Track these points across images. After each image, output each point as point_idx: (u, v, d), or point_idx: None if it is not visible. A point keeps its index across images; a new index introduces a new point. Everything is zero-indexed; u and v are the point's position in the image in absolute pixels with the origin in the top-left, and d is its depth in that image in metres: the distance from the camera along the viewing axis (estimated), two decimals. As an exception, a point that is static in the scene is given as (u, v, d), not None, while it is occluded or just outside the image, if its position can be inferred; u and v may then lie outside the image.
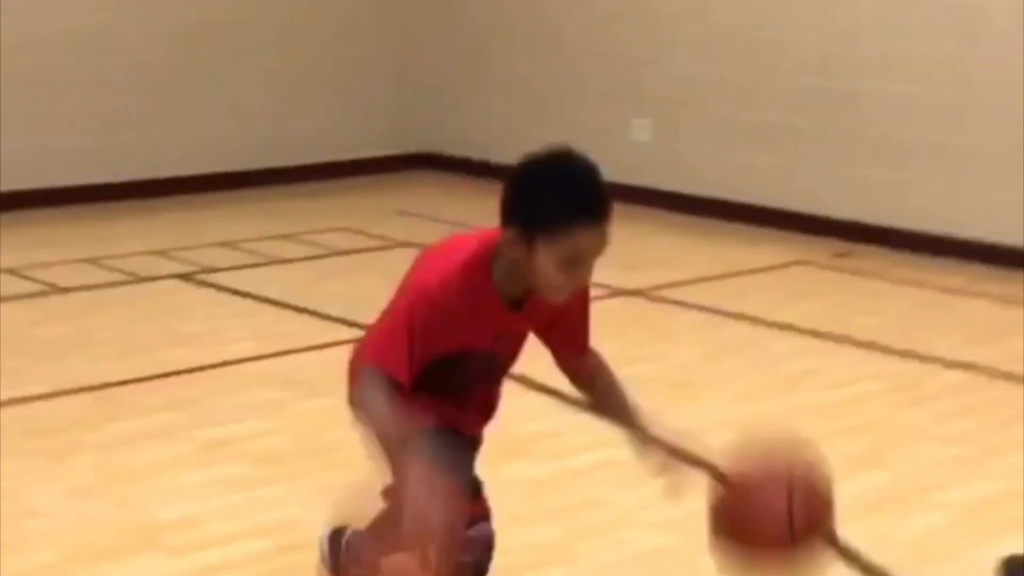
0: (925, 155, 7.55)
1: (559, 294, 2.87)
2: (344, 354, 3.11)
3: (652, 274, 6.90)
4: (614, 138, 8.48)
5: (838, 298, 6.69)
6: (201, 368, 5.37)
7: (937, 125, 7.49)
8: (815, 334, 5.96)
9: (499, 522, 3.17)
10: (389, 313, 2.94)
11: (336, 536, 3.34)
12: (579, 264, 2.80)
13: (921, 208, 7.58)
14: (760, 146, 8.17)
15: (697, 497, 2.90)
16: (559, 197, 2.77)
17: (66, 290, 6.54)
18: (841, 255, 7.47)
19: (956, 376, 5.44)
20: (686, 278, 6.89)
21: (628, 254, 6.61)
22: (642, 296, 6.55)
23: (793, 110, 7.99)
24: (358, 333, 3.70)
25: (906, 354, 5.66)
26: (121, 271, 6.91)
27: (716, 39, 8.24)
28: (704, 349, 5.77)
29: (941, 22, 7.43)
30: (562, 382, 3.23)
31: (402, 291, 2.94)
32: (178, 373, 5.31)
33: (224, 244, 7.47)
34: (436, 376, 2.92)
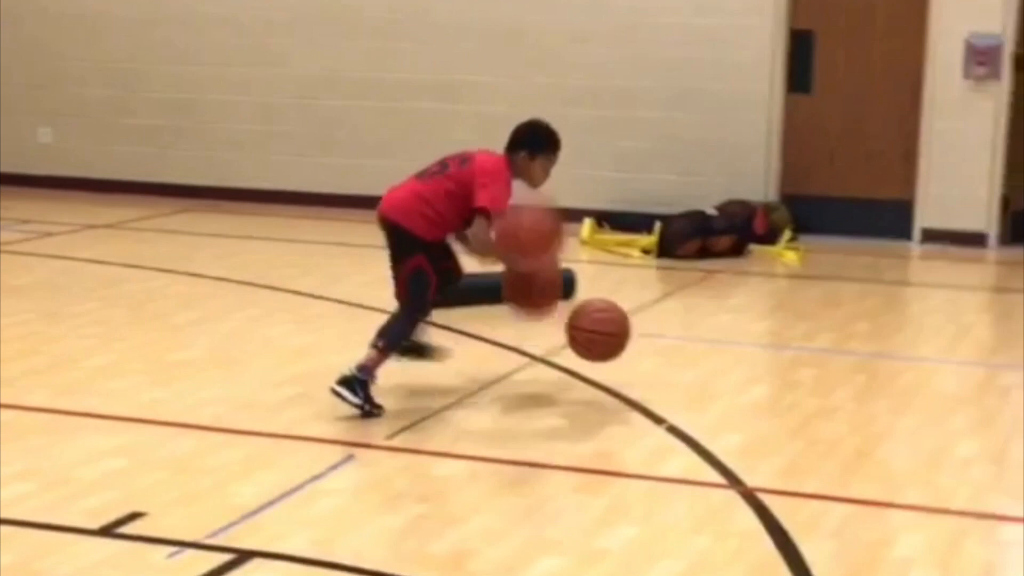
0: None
1: (539, 186, 5.83)
2: None
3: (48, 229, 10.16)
4: (26, 141, 11.89)
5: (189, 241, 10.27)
6: None
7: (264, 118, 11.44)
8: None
9: None
10: (462, 178, 5.71)
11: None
12: (549, 171, 5.88)
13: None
14: (136, 142, 11.82)
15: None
16: (551, 138, 5.98)
17: None
18: (182, 211, 11.14)
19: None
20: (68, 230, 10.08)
21: (48, 221, 10.10)
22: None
23: (162, 115, 11.72)
24: None
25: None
26: None
27: (101, 67, 11.78)
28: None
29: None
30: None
31: (467, 162, 5.76)
32: None
33: None
34: None
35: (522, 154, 5.85)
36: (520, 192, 5.88)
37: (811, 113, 10.37)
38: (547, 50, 10.78)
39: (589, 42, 10.67)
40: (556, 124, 10.56)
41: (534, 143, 5.91)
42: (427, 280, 5.75)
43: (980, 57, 9.79)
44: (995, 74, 9.82)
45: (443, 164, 5.85)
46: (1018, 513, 4.76)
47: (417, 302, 5.81)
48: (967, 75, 9.86)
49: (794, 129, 10.40)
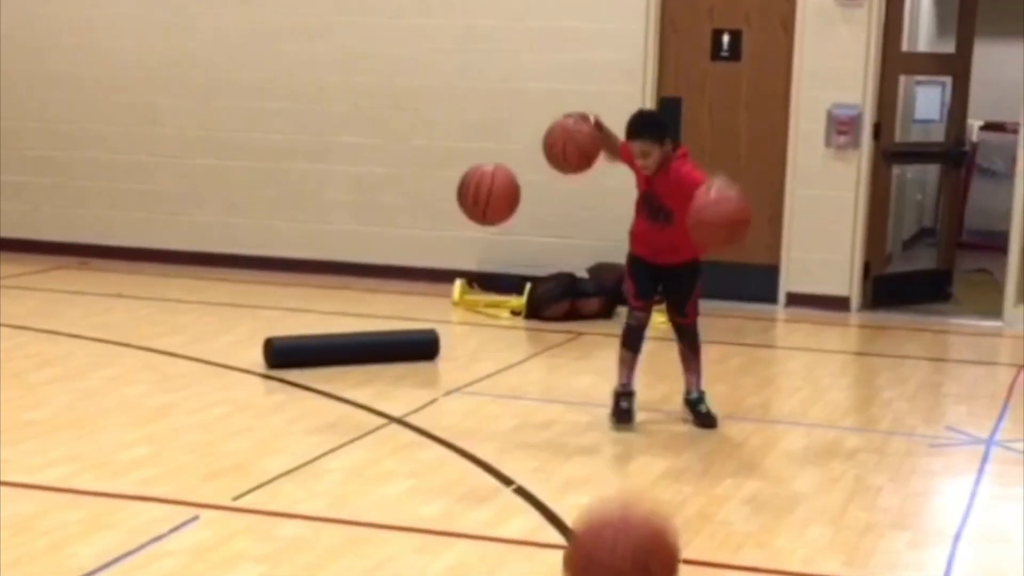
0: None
1: (644, 169, 6.63)
2: None
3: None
4: None
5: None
6: None
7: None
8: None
9: None
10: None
11: None
12: (639, 156, 6.59)
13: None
14: (8, 198, 11.72)
15: None
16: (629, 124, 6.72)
17: None
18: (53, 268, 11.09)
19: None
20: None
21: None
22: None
23: (35, 172, 11.63)
24: None
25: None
26: None
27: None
28: None
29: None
30: None
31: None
32: None
33: None
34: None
35: None
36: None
37: (679, 178, 10.52)
38: (417, 112, 10.88)
39: (462, 105, 10.78)
40: (428, 185, 10.90)
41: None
42: None
43: (841, 127, 10.03)
44: (855, 143, 10.06)
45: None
46: (847, 574, 4.86)
47: None
48: (829, 143, 10.09)
49: (663, 194, 10.54)
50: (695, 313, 6.96)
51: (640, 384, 7.83)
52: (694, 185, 6.23)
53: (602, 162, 6.81)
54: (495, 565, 4.86)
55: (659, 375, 8.22)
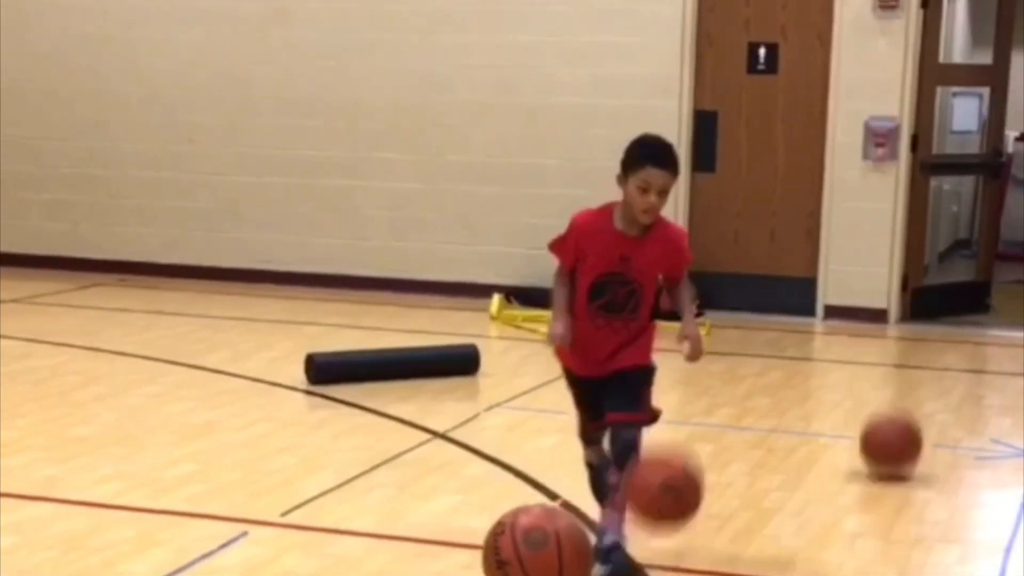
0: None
1: (644, 215, 4.57)
2: None
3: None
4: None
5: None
6: None
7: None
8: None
9: None
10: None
11: None
12: (648, 190, 4.56)
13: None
14: (47, 216, 11.80)
15: None
16: (636, 150, 4.65)
17: None
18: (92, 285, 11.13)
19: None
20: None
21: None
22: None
23: (74, 190, 11.71)
24: None
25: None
26: None
27: (11, 141, 11.77)
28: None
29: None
30: None
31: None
32: None
33: None
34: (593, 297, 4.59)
35: (618, 177, 4.77)
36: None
37: (716, 192, 10.55)
38: (453, 128, 10.91)
39: (498, 120, 10.81)
40: (464, 200, 10.92)
41: (623, 160, 4.77)
42: None
43: (879, 139, 10.02)
44: (893, 155, 10.04)
45: None
46: (898, 587, 4.85)
47: None
48: (866, 156, 10.08)
49: (699, 207, 10.57)
50: (646, 414, 4.92)
51: (678, 398, 7.86)
52: (684, 246, 4.85)
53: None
54: (546, 581, 4.84)
55: (698, 389, 8.22)
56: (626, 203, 4.69)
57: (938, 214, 12.59)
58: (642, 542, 5.13)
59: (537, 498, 5.76)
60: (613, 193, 10.53)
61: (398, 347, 8.33)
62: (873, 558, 5.17)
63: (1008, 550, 5.29)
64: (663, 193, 4.65)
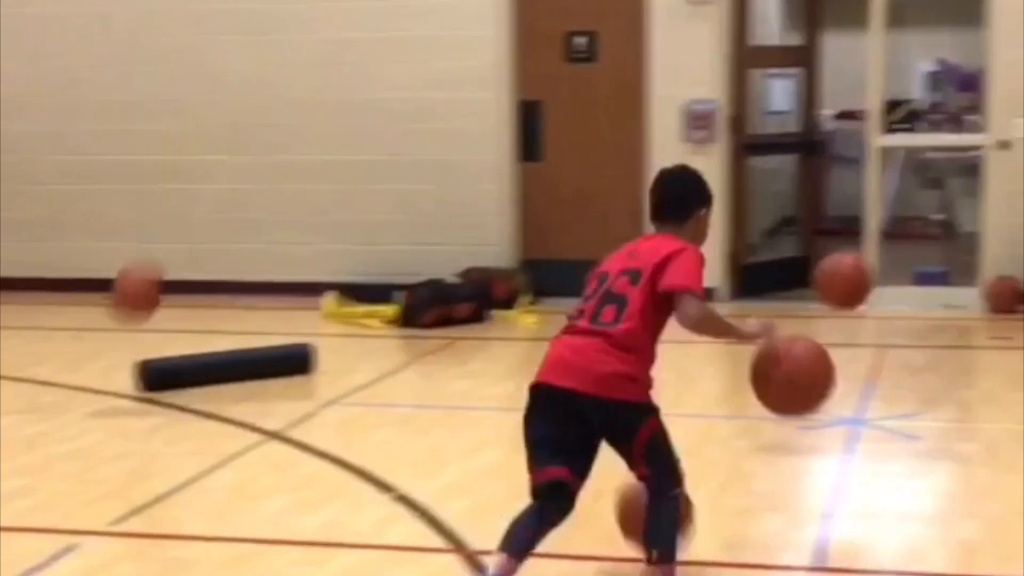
0: None
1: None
2: None
3: None
4: None
5: None
6: None
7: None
8: None
9: None
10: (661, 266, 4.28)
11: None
12: None
13: None
14: None
15: None
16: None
17: None
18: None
19: None
20: None
21: None
22: None
23: None
24: None
25: None
26: None
27: None
28: None
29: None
30: None
31: (656, 255, 4.30)
32: None
33: None
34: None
35: (702, 211, 4.68)
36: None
37: (544, 180, 10.66)
38: (280, 127, 10.89)
39: (323, 118, 10.81)
40: (294, 199, 10.90)
41: (707, 193, 4.75)
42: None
43: (698, 122, 10.22)
44: (712, 137, 10.25)
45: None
46: (724, 559, 4.97)
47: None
48: (687, 139, 10.27)
49: (528, 196, 10.68)
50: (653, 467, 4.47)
51: (514, 387, 7.91)
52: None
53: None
54: (379, 572, 4.91)
55: (533, 376, 8.28)
56: (699, 232, 4.65)
57: (764, 193, 12.86)
58: (478, 531, 5.20)
59: (370, 492, 5.80)
60: (444, 187, 10.61)
61: (230, 349, 8.29)
62: (700, 531, 5.28)
63: (830, 516, 5.46)
64: None
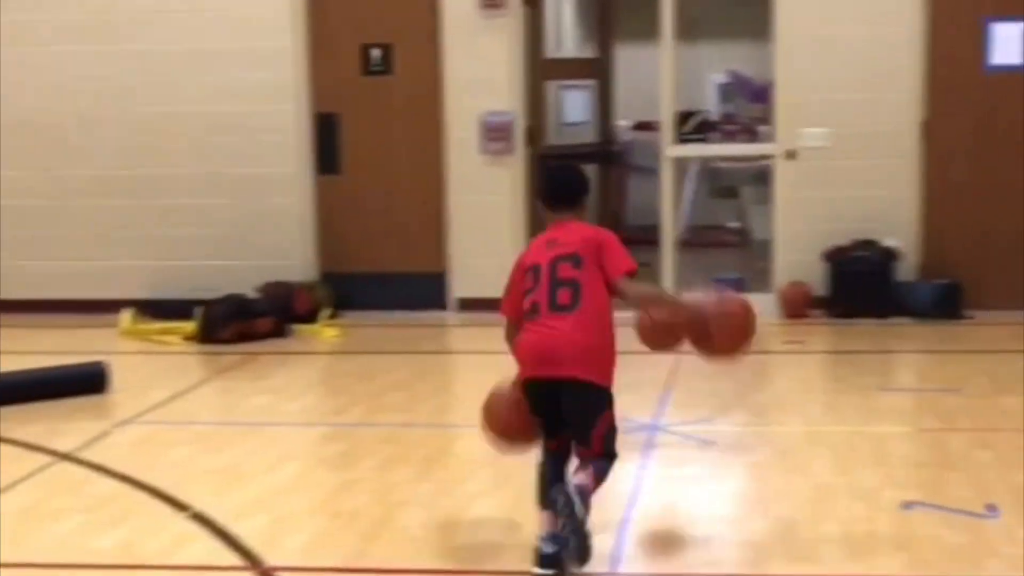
0: None
1: None
2: None
3: None
4: None
5: None
6: None
7: None
8: None
9: None
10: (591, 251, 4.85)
11: None
12: None
13: None
14: None
15: None
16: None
17: None
18: None
19: None
20: None
21: None
22: None
23: None
24: None
25: None
26: None
27: None
28: None
29: None
30: None
31: (583, 240, 4.86)
32: None
33: None
34: None
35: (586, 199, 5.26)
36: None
37: (343, 193, 10.62)
38: (74, 141, 10.67)
39: (118, 131, 10.62)
40: (89, 215, 10.67)
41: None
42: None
43: (494, 133, 10.29)
44: (510, 149, 10.33)
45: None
46: (520, 567, 5.00)
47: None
48: (483, 150, 10.34)
49: (328, 209, 10.63)
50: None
51: (312, 400, 7.91)
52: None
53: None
54: (174, 593, 4.83)
55: (332, 388, 8.27)
56: (586, 216, 5.22)
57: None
58: (274, 548, 5.16)
59: (166, 511, 5.71)
60: (243, 201, 10.53)
61: (19, 370, 8.07)
62: (499, 538, 5.32)
63: (625, 522, 5.53)
64: None
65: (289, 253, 10.59)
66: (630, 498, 5.84)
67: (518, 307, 4.98)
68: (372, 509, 5.71)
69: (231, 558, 5.10)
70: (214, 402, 8.05)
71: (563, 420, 4.94)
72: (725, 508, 5.81)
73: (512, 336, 5.06)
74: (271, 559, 5.07)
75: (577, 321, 4.84)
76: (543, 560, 4.78)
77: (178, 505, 5.75)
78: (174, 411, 7.61)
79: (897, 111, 9.93)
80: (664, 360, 8.69)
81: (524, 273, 4.98)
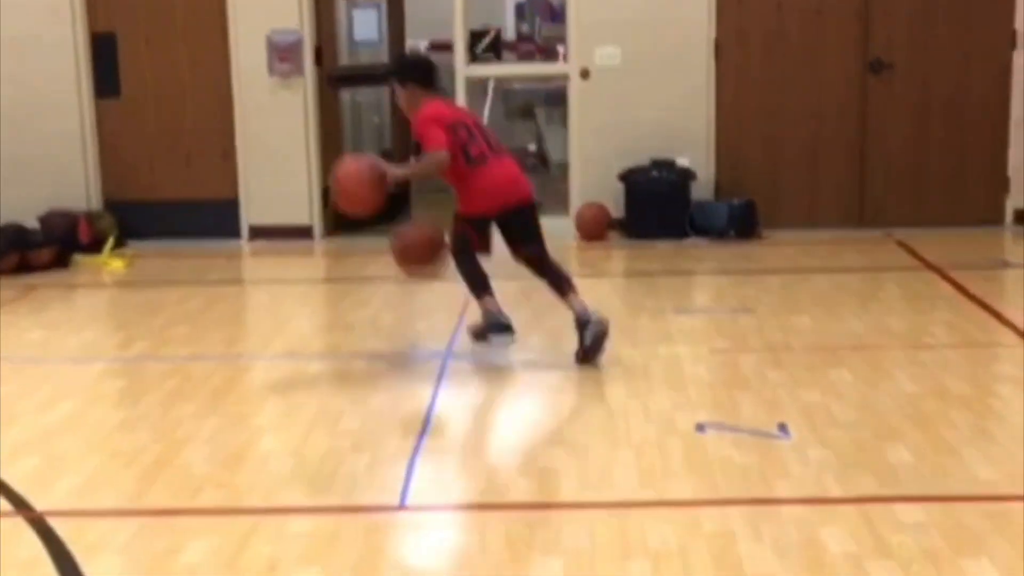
0: None
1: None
2: None
3: None
4: None
5: None
6: None
7: None
8: None
9: None
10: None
11: None
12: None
13: None
14: None
15: None
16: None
17: None
18: None
19: None
20: None
21: None
22: None
23: None
24: None
25: None
26: None
27: None
28: None
29: None
30: None
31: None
32: None
33: None
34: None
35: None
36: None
37: (124, 118, 10.23)
38: None
39: None
40: None
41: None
42: None
43: (282, 53, 9.99)
44: (299, 70, 10.04)
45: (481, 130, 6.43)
46: (307, 503, 4.83)
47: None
48: (272, 72, 10.03)
49: (110, 135, 10.24)
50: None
51: (93, 335, 7.61)
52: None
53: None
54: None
55: (115, 323, 7.97)
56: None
57: (359, 126, 12.74)
58: (46, 491, 4.91)
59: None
60: (21, 128, 10.08)
61: None
62: (284, 476, 5.12)
63: (416, 451, 5.38)
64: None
65: (71, 181, 10.18)
66: (422, 427, 5.69)
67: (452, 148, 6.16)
68: (153, 447, 5.47)
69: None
70: (-10, 337, 7.66)
71: (517, 235, 6.43)
72: (517, 435, 5.71)
73: (444, 170, 6.19)
74: (41, 503, 4.81)
75: (512, 159, 6.44)
76: (508, 327, 6.47)
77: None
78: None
79: (689, 30, 9.89)
80: (458, 288, 8.58)
81: (448, 127, 6.19)
